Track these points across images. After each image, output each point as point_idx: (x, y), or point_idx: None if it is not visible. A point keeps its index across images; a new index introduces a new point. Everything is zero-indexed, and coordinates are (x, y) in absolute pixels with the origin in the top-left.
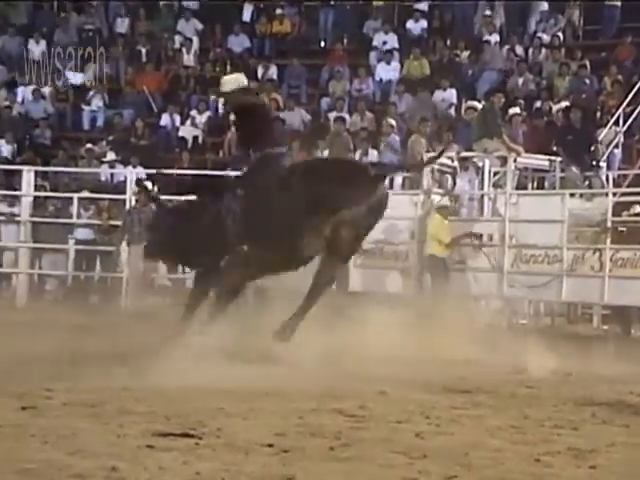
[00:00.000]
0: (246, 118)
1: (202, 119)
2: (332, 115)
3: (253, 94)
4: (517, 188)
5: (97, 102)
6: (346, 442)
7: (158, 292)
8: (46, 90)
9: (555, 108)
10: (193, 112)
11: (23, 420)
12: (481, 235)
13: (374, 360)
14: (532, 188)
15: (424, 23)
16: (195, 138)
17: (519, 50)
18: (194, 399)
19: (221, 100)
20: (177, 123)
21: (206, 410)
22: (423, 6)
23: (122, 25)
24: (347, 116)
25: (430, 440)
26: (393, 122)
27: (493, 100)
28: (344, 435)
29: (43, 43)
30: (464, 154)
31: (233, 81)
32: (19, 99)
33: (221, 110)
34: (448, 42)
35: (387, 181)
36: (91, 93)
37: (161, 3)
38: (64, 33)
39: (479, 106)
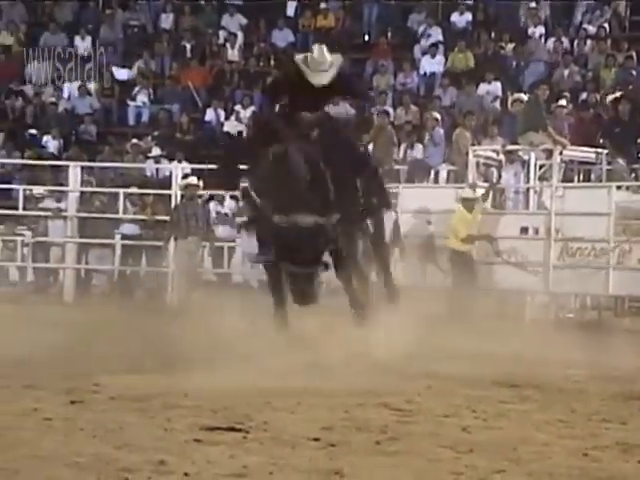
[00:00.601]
0: None
1: (246, 114)
2: (376, 109)
3: None
4: (563, 181)
5: (142, 98)
6: (392, 436)
7: (204, 287)
8: (92, 86)
9: (608, 99)
10: (237, 107)
11: (72, 414)
12: (527, 228)
13: (420, 354)
14: (578, 181)
15: (469, 16)
16: (239, 133)
17: (565, 42)
18: (241, 393)
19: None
20: (222, 118)
21: (253, 404)
22: None
23: (167, 21)
24: (391, 110)
25: (477, 434)
26: (437, 115)
27: (538, 93)
28: (390, 429)
29: (89, 39)
30: (509, 147)
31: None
32: (65, 95)
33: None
34: (493, 35)
35: (432, 175)
36: (136, 89)
37: None
38: (109, 29)
39: (525, 98)
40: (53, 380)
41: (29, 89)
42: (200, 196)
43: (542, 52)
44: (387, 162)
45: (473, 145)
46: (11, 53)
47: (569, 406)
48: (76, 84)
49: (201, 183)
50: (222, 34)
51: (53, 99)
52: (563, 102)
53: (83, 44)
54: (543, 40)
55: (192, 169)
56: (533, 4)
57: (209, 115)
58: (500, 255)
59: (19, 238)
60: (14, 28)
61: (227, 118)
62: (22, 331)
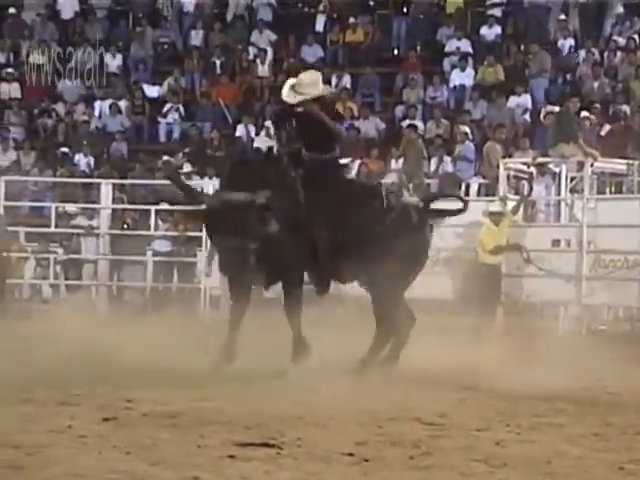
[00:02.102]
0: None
1: None
2: (406, 123)
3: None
4: (595, 193)
5: (173, 115)
6: (426, 451)
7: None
8: (122, 104)
9: None
10: (268, 122)
11: (105, 431)
12: (559, 241)
13: (452, 367)
14: (610, 192)
15: (498, 29)
16: (270, 148)
17: (595, 53)
18: (273, 408)
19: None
20: (252, 134)
21: (286, 419)
22: (497, 12)
23: (196, 38)
24: (421, 124)
25: (511, 448)
26: (467, 129)
27: (568, 105)
28: (424, 444)
29: (119, 57)
30: (540, 159)
31: (312, 84)
32: (96, 113)
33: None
34: (522, 47)
35: (463, 187)
36: (167, 106)
37: (235, 15)
38: (140, 47)
39: (557, 110)
40: (87, 397)
41: (61, 107)
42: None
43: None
44: (417, 176)
45: (504, 158)
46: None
47: (604, 419)
48: (107, 102)
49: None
50: (252, 50)
51: (85, 117)
52: (586, 113)
53: (114, 62)
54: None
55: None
56: (562, 16)
57: (240, 131)
58: (530, 262)
59: (52, 255)
60: (45, 47)
61: (257, 134)
62: (55, 348)
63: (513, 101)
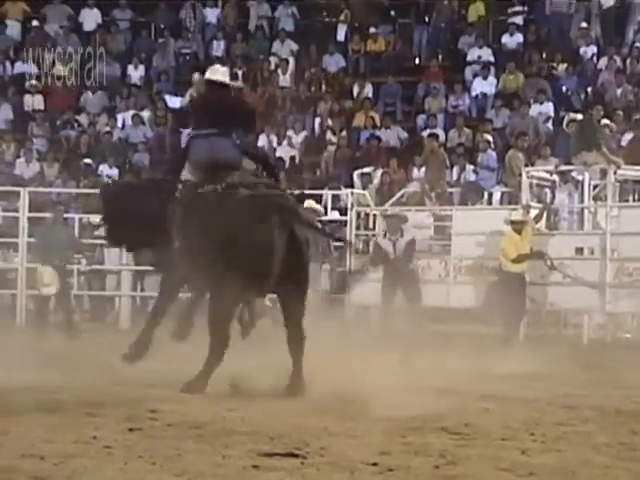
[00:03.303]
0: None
1: (299, 139)
2: (428, 132)
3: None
4: (618, 200)
5: None
6: (451, 460)
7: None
8: (145, 114)
9: None
10: (290, 132)
11: (131, 441)
12: (582, 249)
13: (475, 376)
14: (633, 200)
15: (519, 37)
16: (292, 158)
17: (617, 61)
18: (297, 418)
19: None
20: (274, 143)
21: (310, 429)
22: (518, 20)
23: (218, 48)
24: (442, 132)
25: (536, 457)
26: (489, 137)
27: (591, 112)
28: (449, 453)
29: (141, 68)
30: (563, 167)
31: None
32: (119, 124)
33: (317, 130)
34: (544, 55)
35: (485, 197)
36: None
37: (256, 25)
38: (162, 58)
39: (580, 118)
40: (112, 407)
41: (84, 119)
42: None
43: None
44: (439, 185)
45: (526, 166)
46: (66, 83)
47: (629, 428)
48: (130, 113)
49: None
50: (273, 60)
51: (108, 128)
52: (607, 121)
53: (136, 73)
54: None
55: None
56: (584, 24)
57: (261, 140)
58: (555, 269)
59: (75, 266)
60: (68, 59)
61: (279, 143)
62: (80, 359)
63: (535, 109)
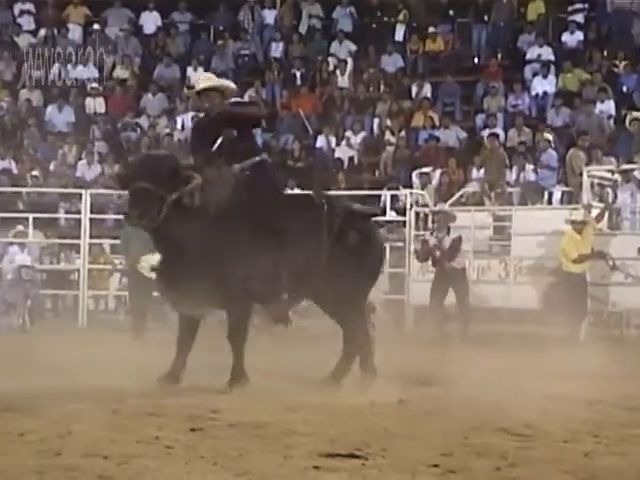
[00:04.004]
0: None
1: (357, 139)
2: (487, 132)
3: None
4: None
5: None
6: (513, 462)
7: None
8: None
9: None
10: (348, 133)
11: (192, 441)
12: None
13: (536, 377)
14: None
15: (580, 35)
16: (351, 159)
17: None
18: (358, 419)
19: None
20: (333, 144)
21: (371, 430)
22: (579, 18)
23: (277, 49)
24: (501, 132)
25: (599, 460)
26: (549, 136)
27: None
28: (510, 455)
29: (201, 70)
30: (625, 166)
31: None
32: (179, 126)
33: (376, 130)
34: (605, 53)
35: (546, 196)
36: None
37: (314, 26)
38: (221, 60)
39: None
40: (174, 407)
41: (144, 121)
42: None
43: None
44: (499, 185)
45: (587, 165)
46: (126, 86)
47: None
48: (189, 115)
49: None
50: (332, 61)
51: (167, 130)
52: None
53: (195, 75)
54: None
55: None
56: None
57: (320, 141)
58: (616, 269)
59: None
60: (129, 62)
61: (338, 144)
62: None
63: (596, 108)
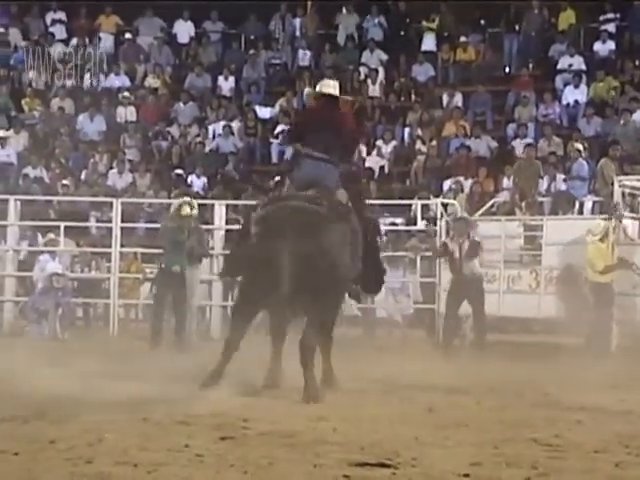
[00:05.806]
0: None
1: (388, 149)
2: (518, 141)
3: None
4: None
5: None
6: (543, 472)
7: (349, 322)
8: (235, 125)
9: None
10: (379, 142)
11: (222, 450)
12: None
13: (564, 387)
14: None
15: (612, 44)
16: (382, 168)
17: None
18: (388, 428)
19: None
20: (364, 154)
21: (401, 439)
22: (610, 27)
23: (307, 59)
24: (532, 142)
25: (631, 470)
26: (580, 146)
27: None
28: (541, 465)
29: (232, 79)
30: None
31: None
32: (210, 135)
33: (407, 140)
34: (637, 62)
35: (577, 205)
36: (279, 127)
37: (345, 35)
38: (252, 69)
39: None
40: (204, 416)
41: (175, 130)
42: None
43: None
44: (530, 195)
45: (619, 175)
46: (158, 95)
47: None
48: (221, 124)
49: None
50: (363, 70)
51: (199, 139)
52: None
53: (226, 84)
54: None
55: None
56: None
57: None
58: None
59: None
60: (160, 71)
61: (369, 153)
62: (172, 368)
63: (628, 117)
